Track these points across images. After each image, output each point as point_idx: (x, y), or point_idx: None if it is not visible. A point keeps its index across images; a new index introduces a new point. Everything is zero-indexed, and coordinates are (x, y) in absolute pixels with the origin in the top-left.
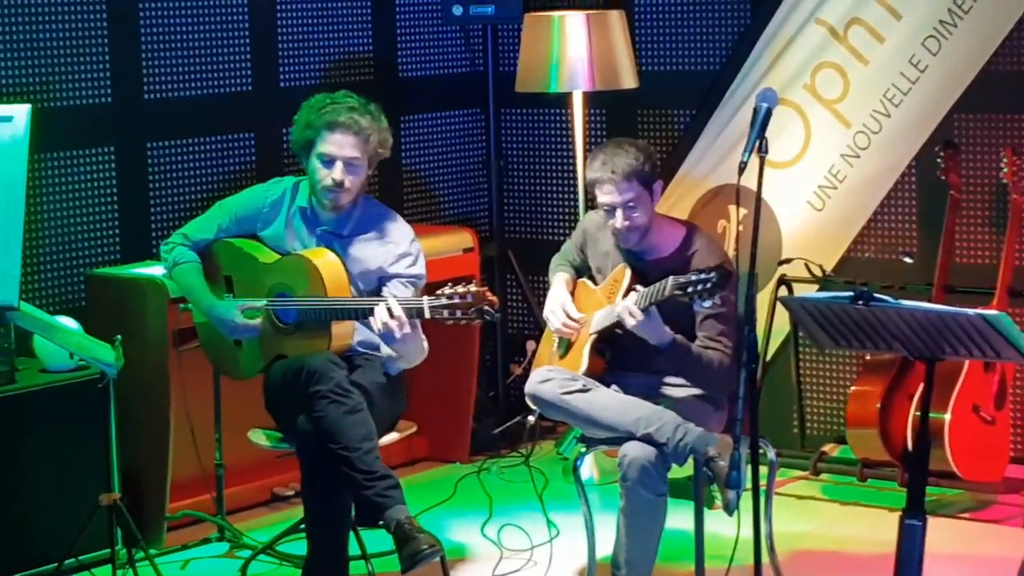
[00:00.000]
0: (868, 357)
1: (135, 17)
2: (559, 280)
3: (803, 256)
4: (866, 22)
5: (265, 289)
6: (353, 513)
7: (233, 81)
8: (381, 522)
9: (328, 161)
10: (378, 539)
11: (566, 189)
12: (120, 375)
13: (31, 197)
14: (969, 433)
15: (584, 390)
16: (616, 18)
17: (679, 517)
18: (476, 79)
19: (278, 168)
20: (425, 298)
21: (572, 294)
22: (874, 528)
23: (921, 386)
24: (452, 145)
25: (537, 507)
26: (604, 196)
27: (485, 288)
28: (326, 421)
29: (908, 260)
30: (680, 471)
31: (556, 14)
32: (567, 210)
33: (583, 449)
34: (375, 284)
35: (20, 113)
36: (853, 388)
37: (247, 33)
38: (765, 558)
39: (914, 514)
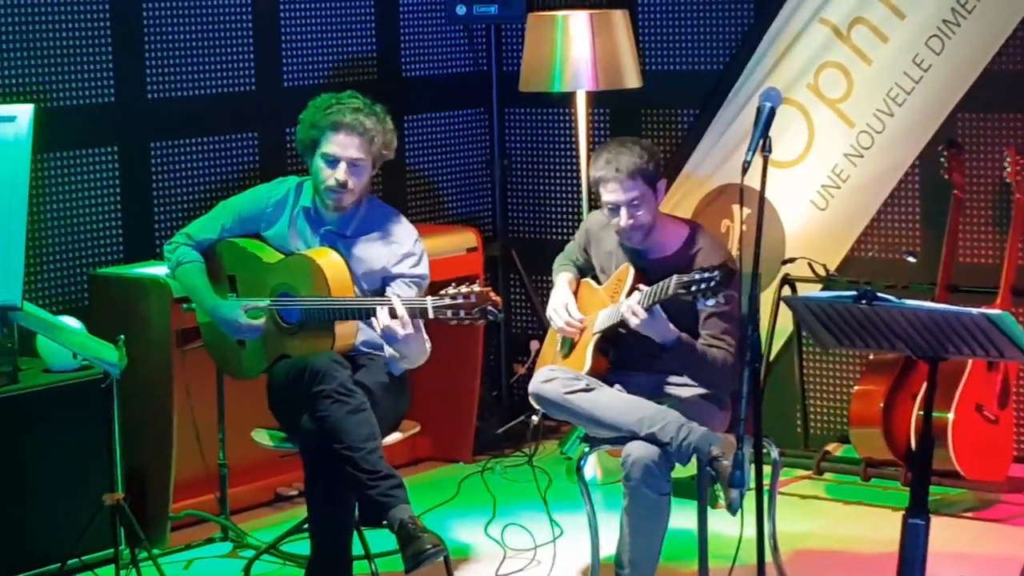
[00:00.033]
0: (871, 356)
1: (138, 17)
2: (562, 280)
3: (806, 255)
4: (869, 21)
5: (268, 289)
6: (357, 513)
7: (236, 81)
8: (385, 522)
9: (332, 161)
10: (382, 539)
11: (570, 189)
12: (123, 375)
13: (34, 197)
14: (972, 432)
15: (587, 389)
16: (620, 18)
17: (682, 517)
18: (480, 79)
19: (281, 168)
20: (429, 298)
21: (575, 294)
22: (877, 527)
23: (924, 385)
24: (456, 145)
25: (541, 507)
26: (608, 194)
27: (488, 288)
28: (329, 421)
29: (911, 259)
30: (683, 471)
31: (560, 13)
32: (571, 210)
33: (586, 449)
34: (379, 284)
35: (23, 113)
36: (856, 387)
37: (250, 33)
38: (769, 558)
39: (917, 513)
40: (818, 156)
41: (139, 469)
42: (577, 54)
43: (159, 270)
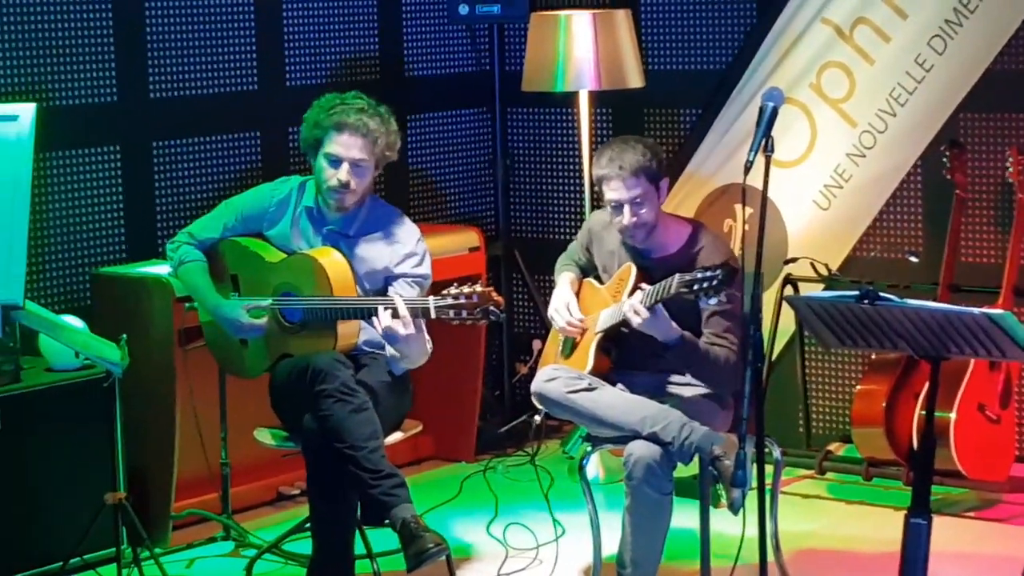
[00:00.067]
0: (873, 356)
1: (140, 16)
2: (564, 280)
3: (809, 255)
4: (872, 21)
5: (271, 288)
6: (359, 512)
7: (239, 80)
8: (387, 521)
9: (335, 161)
10: (384, 538)
11: (572, 188)
12: (126, 374)
13: (36, 196)
14: (974, 432)
15: (590, 389)
16: (622, 17)
17: (684, 516)
18: (482, 78)
19: (284, 167)
20: (431, 298)
21: (578, 294)
22: (879, 527)
23: (926, 385)
24: (458, 144)
25: (543, 506)
26: (611, 192)
27: (491, 288)
28: (332, 420)
29: (914, 259)
30: (685, 470)
31: (562, 13)
32: (573, 209)
33: (589, 448)
34: (381, 284)
35: (25, 112)
36: (858, 387)
37: (253, 32)
38: (771, 557)
39: (919, 513)
40: (820, 156)
41: (141, 468)
42: (580, 54)
43: (161, 269)
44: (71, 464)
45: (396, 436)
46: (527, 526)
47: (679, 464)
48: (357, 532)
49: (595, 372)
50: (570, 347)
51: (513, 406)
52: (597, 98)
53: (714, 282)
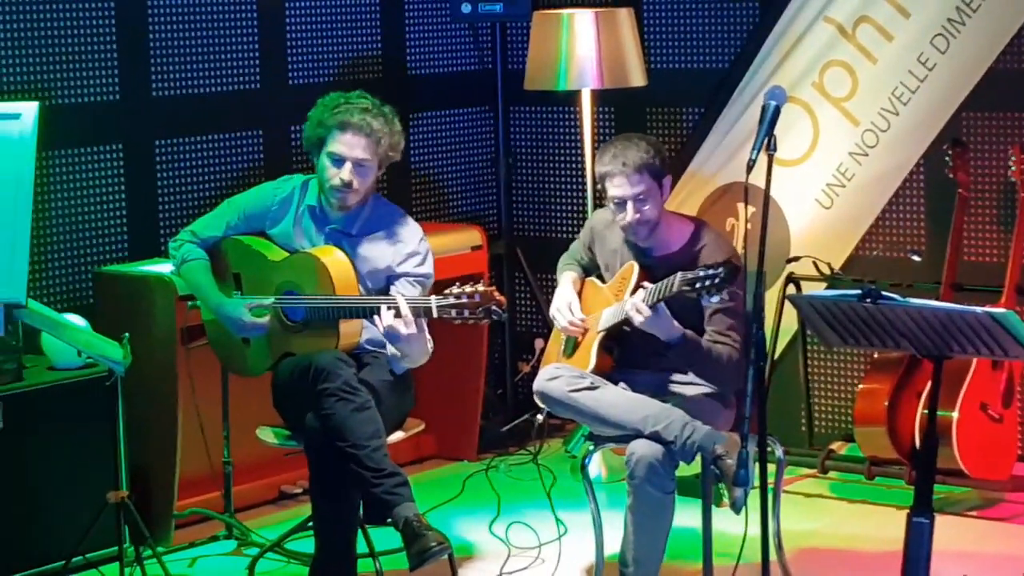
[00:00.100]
0: (876, 355)
1: (143, 14)
2: (566, 279)
3: (811, 254)
4: (875, 20)
5: (273, 287)
6: (361, 511)
7: (241, 79)
8: (389, 520)
9: (338, 161)
10: (386, 537)
11: (575, 187)
12: (128, 373)
13: (39, 195)
14: (977, 431)
15: (592, 388)
16: (625, 16)
17: (687, 515)
18: (485, 77)
19: (286, 166)
20: (433, 297)
21: (580, 293)
22: (882, 526)
23: (929, 384)
24: (461, 143)
25: (545, 505)
26: (614, 189)
27: (493, 288)
28: (334, 419)
29: (916, 258)
30: (688, 469)
31: (565, 12)
32: (575, 208)
33: (591, 447)
34: (383, 283)
35: (28, 110)
36: (861, 386)
37: (255, 30)
38: (773, 556)
39: (922, 512)
40: (823, 155)
41: (143, 467)
42: (582, 52)
43: (164, 268)
44: (73, 463)
45: (398, 435)
46: (529, 525)
47: (681, 463)
48: (359, 531)
49: (597, 371)
50: (572, 346)
51: (515, 405)
52: (599, 97)
53: (716, 280)
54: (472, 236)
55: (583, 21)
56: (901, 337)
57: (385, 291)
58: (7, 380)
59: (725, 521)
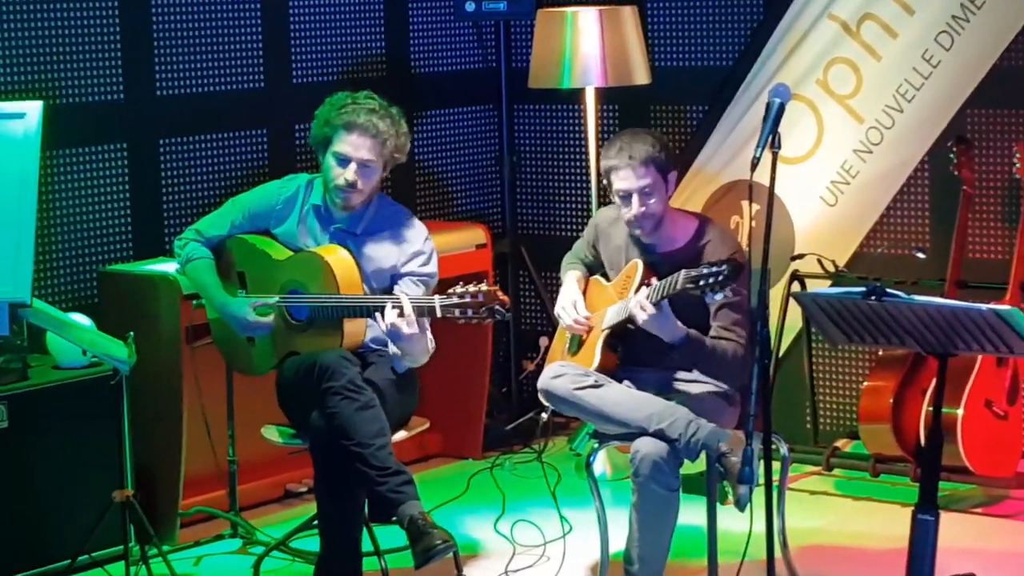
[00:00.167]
0: (881, 352)
1: (147, 14)
2: (570, 278)
3: (816, 252)
4: (879, 18)
5: (278, 286)
6: (366, 509)
7: (245, 78)
8: (394, 518)
9: (343, 160)
10: (391, 535)
11: (579, 185)
12: (133, 372)
13: (43, 194)
14: (982, 428)
15: (596, 386)
16: (629, 14)
17: (691, 513)
18: (489, 75)
19: (290, 165)
20: (436, 297)
21: (584, 291)
22: (887, 523)
23: (934, 381)
24: (465, 141)
25: (550, 503)
26: (620, 182)
27: (496, 287)
28: (339, 417)
29: (921, 256)
30: (692, 467)
31: (569, 10)
32: (580, 206)
33: (595, 445)
34: (388, 282)
35: (32, 110)
36: (866, 383)
37: (260, 29)
38: (778, 553)
39: (927, 509)
40: (827, 152)
41: (148, 466)
42: (586, 50)
43: (169, 267)
44: (79, 462)
45: (402, 434)
46: (534, 523)
47: (686, 461)
48: (365, 529)
49: (602, 369)
50: (577, 344)
51: (520, 403)
52: (603, 95)
53: (720, 277)
54: (476, 234)
55: (587, 19)
56: (906, 334)
57: (389, 291)
58: (12, 379)
59: (730, 519)
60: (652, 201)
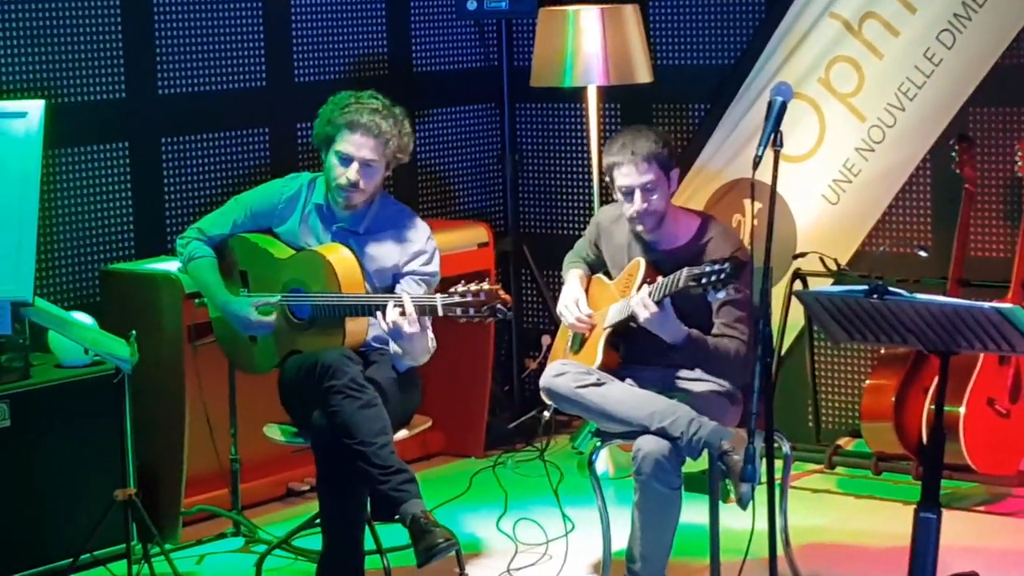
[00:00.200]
0: (883, 351)
1: (149, 12)
2: (573, 276)
3: (818, 250)
4: (881, 16)
5: (280, 285)
6: (369, 508)
7: (247, 76)
8: (397, 516)
9: (345, 160)
10: (394, 533)
11: (581, 183)
12: (135, 370)
13: (45, 193)
14: (984, 426)
15: (598, 384)
16: (631, 12)
17: (694, 511)
18: (491, 74)
19: (292, 163)
20: (438, 296)
21: (587, 290)
22: (889, 521)
23: (936, 379)
24: (467, 140)
25: (552, 501)
26: (623, 178)
27: (498, 286)
28: (341, 416)
29: (923, 254)
30: (694, 465)
31: (571, 8)
32: (582, 204)
33: (598, 443)
34: (390, 281)
35: (34, 109)
36: (868, 382)
37: (261, 28)
38: (780, 551)
39: (929, 507)
40: (829, 150)
41: (151, 464)
42: (588, 49)
43: (171, 265)
44: (81, 460)
45: (404, 432)
46: (537, 521)
47: (688, 459)
48: (367, 528)
49: (604, 367)
50: (579, 342)
51: (522, 401)
52: (605, 93)
53: (721, 275)
54: (478, 233)
55: (589, 17)
56: (908, 333)
57: (391, 290)
58: (14, 378)
59: (732, 517)
60: (654, 197)
